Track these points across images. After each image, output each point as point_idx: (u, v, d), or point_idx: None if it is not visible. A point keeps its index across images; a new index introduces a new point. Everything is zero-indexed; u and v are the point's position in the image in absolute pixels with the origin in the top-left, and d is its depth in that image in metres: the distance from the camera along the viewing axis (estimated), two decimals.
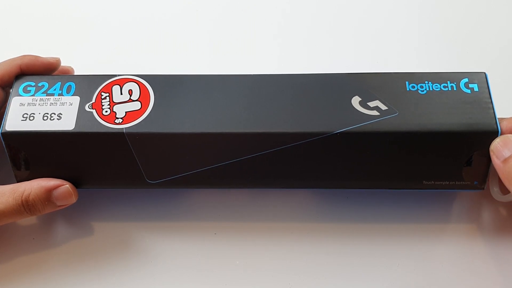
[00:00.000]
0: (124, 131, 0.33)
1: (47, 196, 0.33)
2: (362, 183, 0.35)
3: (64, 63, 0.38)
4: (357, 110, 0.33)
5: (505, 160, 0.31)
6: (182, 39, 0.46)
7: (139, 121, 0.33)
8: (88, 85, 0.34)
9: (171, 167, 0.34)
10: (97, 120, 0.33)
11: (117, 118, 0.33)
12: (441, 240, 0.36)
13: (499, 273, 0.34)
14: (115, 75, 0.35)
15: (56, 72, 0.37)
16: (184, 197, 0.38)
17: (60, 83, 0.35)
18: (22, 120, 0.33)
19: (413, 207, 0.37)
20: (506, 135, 0.32)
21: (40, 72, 0.36)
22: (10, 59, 0.36)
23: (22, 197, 0.33)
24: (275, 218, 0.37)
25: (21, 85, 0.34)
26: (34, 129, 0.33)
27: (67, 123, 0.33)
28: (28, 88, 0.34)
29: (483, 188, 0.34)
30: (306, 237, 0.36)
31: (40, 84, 0.35)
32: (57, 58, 0.37)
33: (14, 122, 0.33)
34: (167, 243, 0.36)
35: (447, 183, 0.34)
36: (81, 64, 0.40)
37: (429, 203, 0.37)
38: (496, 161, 0.32)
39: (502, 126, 0.33)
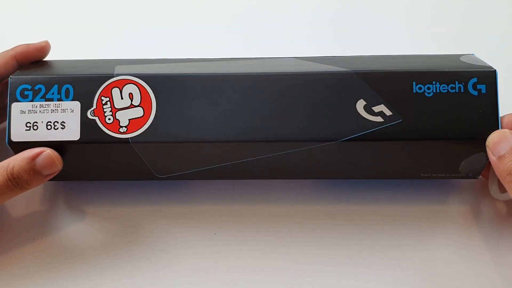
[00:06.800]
0: (129, 141, 0.33)
1: (31, 165, 0.33)
2: (360, 177, 0.37)
3: None
4: (361, 116, 0.33)
5: (500, 157, 0.31)
6: (182, 38, 0.45)
7: (144, 129, 0.33)
8: (87, 88, 0.33)
9: (177, 168, 0.35)
10: (101, 129, 0.33)
11: (121, 126, 0.33)
12: (442, 240, 0.36)
13: (499, 271, 0.35)
14: (113, 75, 0.34)
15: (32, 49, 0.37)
16: (184, 196, 0.38)
17: (57, 86, 0.33)
18: (26, 129, 0.33)
19: (414, 207, 0.37)
20: (503, 130, 0.32)
21: (35, 58, 0.37)
22: (3, 51, 0.36)
23: (7, 171, 0.32)
24: (276, 218, 0.37)
25: (17, 89, 0.33)
26: (40, 140, 0.33)
27: (71, 132, 0.33)
28: (26, 93, 0.33)
29: (477, 178, 0.36)
30: (306, 237, 0.36)
31: (37, 88, 0.33)
32: (46, 41, 0.37)
33: (18, 131, 0.33)
34: (167, 243, 0.36)
35: (443, 175, 0.36)
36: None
37: (429, 202, 0.37)
38: (492, 157, 0.32)
39: (503, 120, 0.33)
